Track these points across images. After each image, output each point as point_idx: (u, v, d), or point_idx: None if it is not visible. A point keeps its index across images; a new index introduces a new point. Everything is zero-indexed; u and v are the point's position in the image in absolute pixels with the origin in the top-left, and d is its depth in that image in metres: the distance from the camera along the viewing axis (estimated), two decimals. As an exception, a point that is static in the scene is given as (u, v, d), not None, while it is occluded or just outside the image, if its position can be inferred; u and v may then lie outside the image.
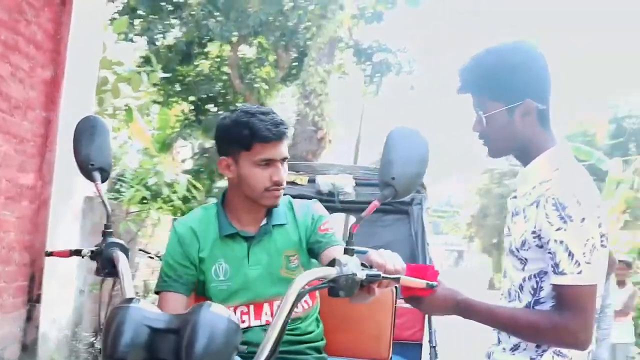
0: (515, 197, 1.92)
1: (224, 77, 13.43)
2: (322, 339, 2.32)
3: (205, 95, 12.90)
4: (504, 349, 1.84)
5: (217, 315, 1.36)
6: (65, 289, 5.25)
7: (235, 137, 2.09)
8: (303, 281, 1.52)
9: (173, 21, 12.30)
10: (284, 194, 2.22)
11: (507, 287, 1.87)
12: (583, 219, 1.67)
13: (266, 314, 2.17)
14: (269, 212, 2.22)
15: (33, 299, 4.85)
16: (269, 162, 2.10)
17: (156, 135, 12.51)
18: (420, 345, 3.42)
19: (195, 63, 13.44)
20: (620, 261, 7.52)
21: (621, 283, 7.65)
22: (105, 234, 1.85)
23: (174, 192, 7.02)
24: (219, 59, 14.05)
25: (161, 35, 12.20)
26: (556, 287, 1.70)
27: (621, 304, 7.39)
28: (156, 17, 12.15)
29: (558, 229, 1.67)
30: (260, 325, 2.15)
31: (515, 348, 1.80)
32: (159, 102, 13.05)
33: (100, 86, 6.53)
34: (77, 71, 5.17)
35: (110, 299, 6.12)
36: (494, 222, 35.41)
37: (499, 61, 1.81)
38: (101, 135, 1.90)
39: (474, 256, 44.88)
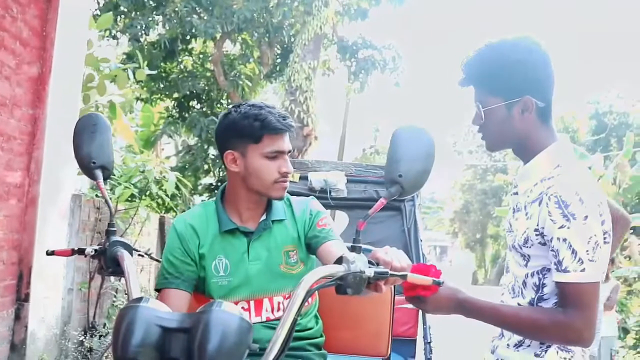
0: (516, 193, 1.92)
1: (208, 74, 13.39)
2: (321, 336, 2.33)
3: (189, 92, 12.84)
4: (507, 344, 1.85)
5: (229, 314, 1.35)
6: (54, 287, 5.20)
7: (245, 129, 2.09)
8: (312, 279, 1.51)
9: (156, 18, 12.23)
10: None
11: (511, 283, 1.88)
12: (586, 216, 1.68)
13: (266, 310, 2.17)
14: (268, 207, 2.22)
15: (21, 298, 4.81)
16: (277, 154, 2.12)
17: (140, 132, 12.44)
18: (415, 341, 3.44)
19: (179, 60, 13.37)
20: None
21: (605, 278, 7.73)
22: (108, 233, 1.84)
23: (161, 188, 6.99)
24: (202, 56, 14.01)
25: (144, 32, 12.11)
26: (559, 285, 1.71)
27: (604, 298, 7.47)
28: (139, 13, 12.07)
29: (561, 227, 1.68)
30: (261, 322, 2.15)
31: (519, 344, 1.81)
32: (142, 99, 12.97)
33: (85, 83, 6.48)
34: (64, 68, 5.13)
35: (99, 298, 6.08)
36: (477, 218, 35.70)
37: (499, 57, 1.82)
38: (102, 133, 1.88)
39: (458, 252, 45.15)
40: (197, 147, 13.05)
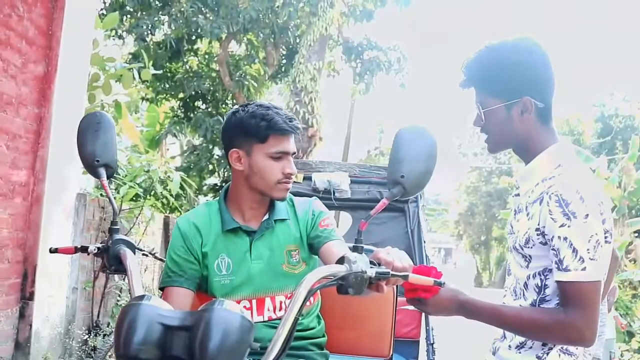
0: (517, 194, 1.93)
1: (213, 74, 13.41)
2: (323, 336, 2.33)
3: (195, 92, 12.86)
4: (509, 346, 1.85)
5: (230, 313, 1.35)
6: (58, 286, 5.22)
7: (251, 128, 2.11)
8: (313, 278, 1.52)
9: (162, 18, 12.25)
10: None
11: (513, 285, 1.88)
12: (587, 215, 1.67)
13: (268, 310, 2.18)
14: (270, 207, 2.23)
15: (26, 297, 4.82)
16: (281, 155, 2.14)
17: (145, 132, 12.46)
18: (418, 342, 3.44)
19: (185, 60, 13.40)
20: None
21: None
22: (111, 231, 1.84)
23: (165, 188, 7.01)
24: (208, 56, 14.03)
25: (150, 32, 12.14)
26: (560, 284, 1.70)
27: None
28: (145, 13, 12.10)
29: (562, 226, 1.68)
30: (263, 321, 2.16)
31: (521, 346, 1.81)
32: (148, 99, 13.00)
33: (91, 82, 6.50)
34: (69, 67, 5.14)
35: (103, 297, 6.09)
36: (481, 220, 35.63)
37: (499, 58, 1.83)
38: (106, 132, 1.89)
39: (462, 254, 45.07)
40: (202, 147, 13.07)
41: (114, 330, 1.44)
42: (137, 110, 11.53)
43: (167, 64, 12.89)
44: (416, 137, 1.68)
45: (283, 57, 13.61)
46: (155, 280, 7.68)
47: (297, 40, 12.60)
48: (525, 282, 1.81)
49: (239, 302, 2.14)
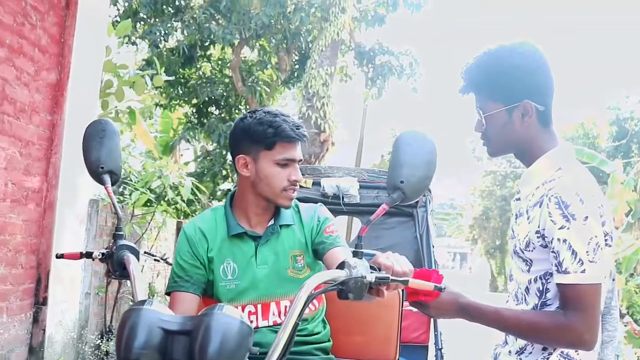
0: (518, 199, 1.93)
1: (226, 80, 13.47)
2: (328, 340, 2.34)
3: (208, 98, 12.92)
4: (510, 351, 1.85)
5: (229, 318, 1.37)
6: (72, 291, 5.27)
7: (258, 135, 2.13)
8: (313, 283, 1.53)
9: (175, 24, 12.34)
10: None
11: (514, 290, 1.88)
12: (586, 217, 1.67)
13: (273, 314, 2.19)
14: (276, 213, 2.25)
15: (39, 302, 4.87)
16: (288, 162, 2.16)
17: (159, 138, 12.54)
18: (426, 347, 3.43)
19: (198, 66, 13.47)
20: None
21: None
22: (115, 237, 1.87)
23: (178, 194, 7.05)
24: (221, 62, 14.09)
25: (163, 39, 12.23)
26: (560, 286, 1.70)
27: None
28: (158, 20, 12.19)
29: (561, 228, 1.68)
30: (268, 326, 2.18)
31: (521, 351, 1.81)
32: (161, 105, 13.08)
33: (104, 89, 6.56)
34: (82, 74, 5.19)
35: (115, 302, 6.14)
36: (496, 225, 35.40)
37: (497, 63, 1.84)
38: (111, 139, 1.91)
39: (477, 259, 44.82)
40: (216, 153, 13.13)
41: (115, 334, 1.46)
42: (151, 117, 11.62)
43: (181, 70, 12.97)
44: (416, 143, 1.69)
45: (295, 63, 13.64)
46: (168, 285, 7.71)
47: (309, 46, 12.63)
48: (527, 287, 1.81)
49: (244, 307, 2.17)
